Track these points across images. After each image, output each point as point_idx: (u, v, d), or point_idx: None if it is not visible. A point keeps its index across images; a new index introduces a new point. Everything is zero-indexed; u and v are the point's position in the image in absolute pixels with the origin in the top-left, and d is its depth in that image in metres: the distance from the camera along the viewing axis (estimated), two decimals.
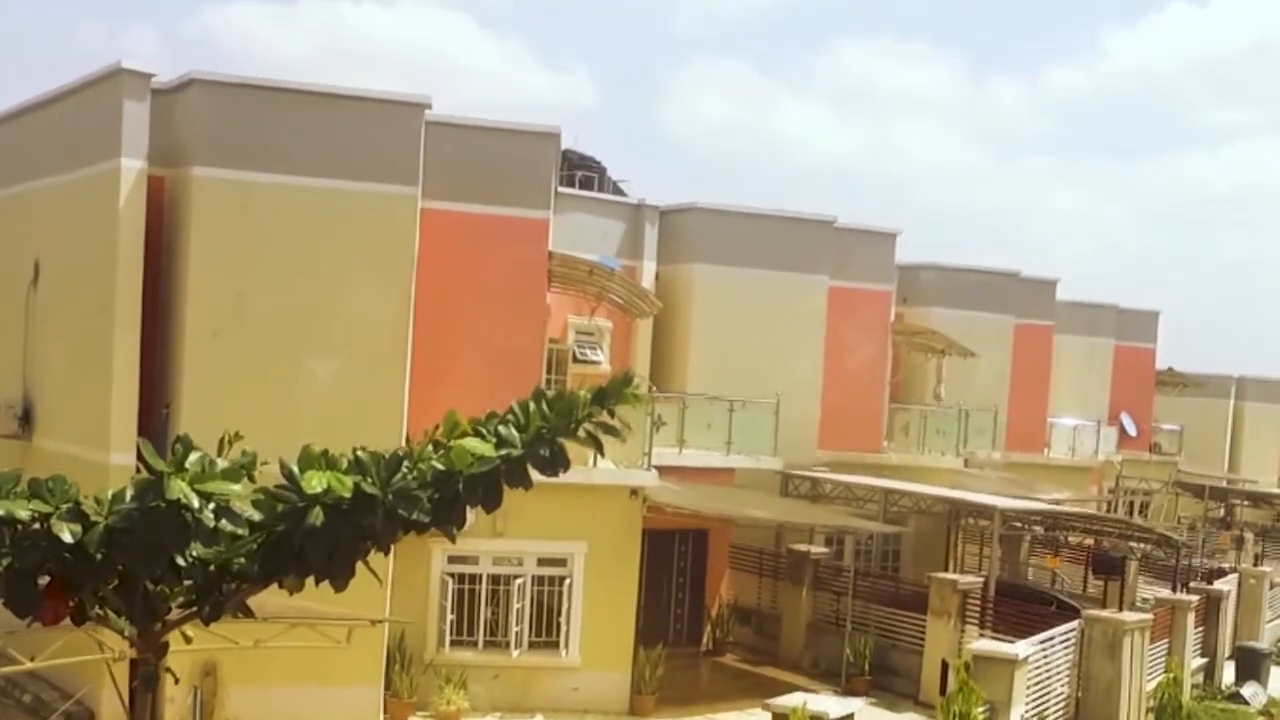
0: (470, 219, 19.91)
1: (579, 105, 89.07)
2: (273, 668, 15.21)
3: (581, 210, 26.03)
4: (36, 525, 6.22)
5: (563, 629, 20.22)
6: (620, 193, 36.89)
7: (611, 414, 6.91)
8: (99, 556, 6.26)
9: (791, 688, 21.82)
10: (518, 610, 19.97)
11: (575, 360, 24.78)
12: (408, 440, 6.57)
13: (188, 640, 7.66)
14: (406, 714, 18.78)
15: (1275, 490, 43.11)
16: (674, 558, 24.77)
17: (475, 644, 19.99)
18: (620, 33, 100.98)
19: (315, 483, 6.48)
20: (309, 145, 17.79)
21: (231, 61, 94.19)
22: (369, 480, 6.57)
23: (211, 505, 6.29)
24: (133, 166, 17.31)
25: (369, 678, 17.91)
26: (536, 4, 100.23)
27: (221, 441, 6.73)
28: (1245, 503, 41.61)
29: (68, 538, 6.16)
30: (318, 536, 6.55)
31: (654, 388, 24.54)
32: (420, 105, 18.27)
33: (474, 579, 19.99)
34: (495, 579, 20.06)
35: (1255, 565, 33.15)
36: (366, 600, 9.97)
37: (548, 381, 22.32)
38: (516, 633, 19.98)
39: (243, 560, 6.75)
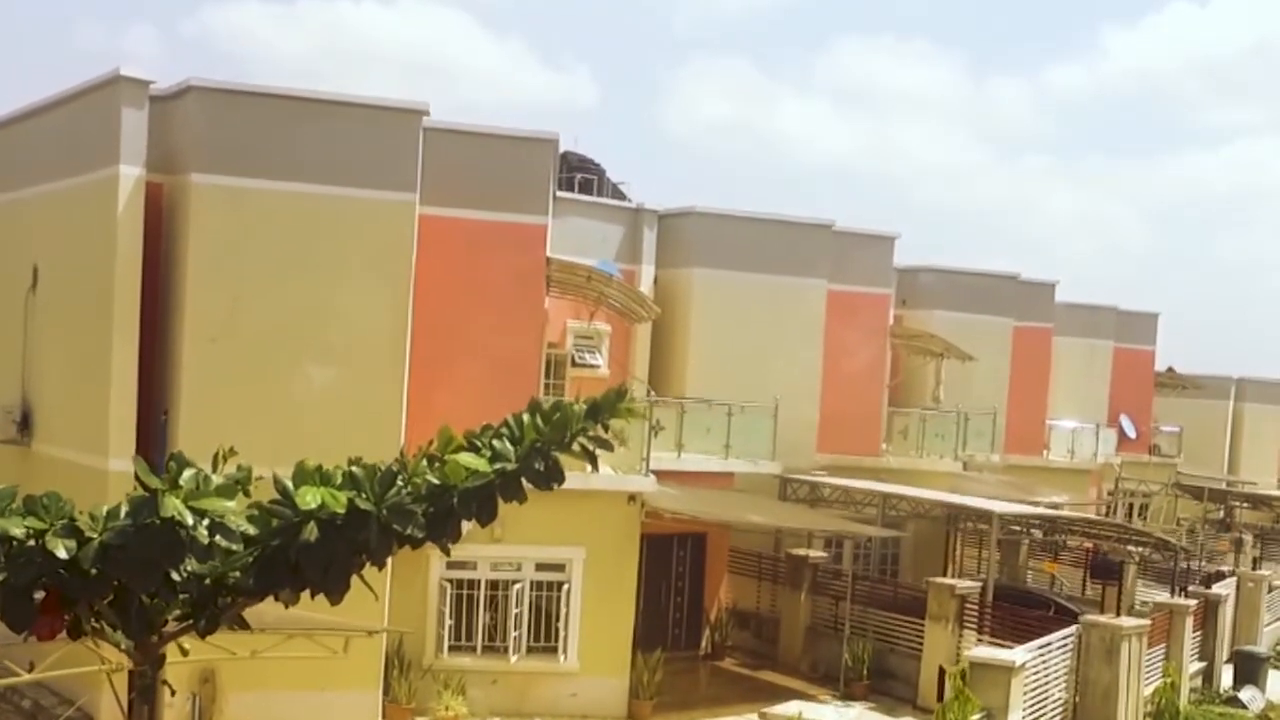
0: (468, 225, 19.91)
1: (579, 105, 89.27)
2: (271, 673, 15.19)
3: (580, 215, 26.05)
4: (32, 542, 6.25)
5: (561, 634, 20.25)
6: (620, 194, 36.98)
7: (605, 428, 6.92)
8: (94, 572, 6.28)
9: (790, 692, 21.90)
10: (516, 615, 19.99)
11: (574, 364, 24.84)
12: (402, 453, 6.57)
13: (184, 653, 7.68)
14: (405, 719, 18.80)
15: (1274, 492, 43.05)
16: (673, 562, 24.78)
17: (474, 649, 20.03)
18: (620, 33, 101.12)
19: (309, 498, 6.50)
20: (307, 152, 17.80)
21: (231, 61, 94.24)
22: (363, 495, 6.58)
23: (206, 521, 6.31)
24: (131, 173, 17.34)
25: (368, 683, 17.96)
26: (536, 4, 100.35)
27: (216, 456, 6.75)
28: (1244, 505, 41.58)
29: (63, 554, 6.19)
30: (312, 551, 6.57)
31: (652, 392, 24.55)
32: (418, 111, 18.29)
33: (472, 584, 20.01)
34: (494, 584, 20.09)
35: (1254, 568, 33.14)
36: (364, 609, 9.98)
37: (546, 386, 22.34)
38: (515, 638, 20.01)
39: (238, 574, 6.75)
